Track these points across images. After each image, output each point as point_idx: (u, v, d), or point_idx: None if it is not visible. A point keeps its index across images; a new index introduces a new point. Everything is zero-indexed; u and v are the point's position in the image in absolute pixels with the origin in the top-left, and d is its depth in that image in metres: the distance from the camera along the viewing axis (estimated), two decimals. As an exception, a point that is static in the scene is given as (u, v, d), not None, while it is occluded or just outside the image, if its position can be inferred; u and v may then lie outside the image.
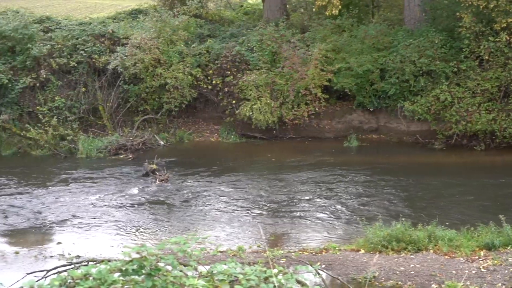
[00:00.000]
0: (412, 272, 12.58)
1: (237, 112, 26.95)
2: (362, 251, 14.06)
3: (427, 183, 20.83)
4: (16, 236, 16.94)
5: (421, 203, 18.77)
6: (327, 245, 14.67)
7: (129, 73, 27.09)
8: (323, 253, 14.18)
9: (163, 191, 20.44)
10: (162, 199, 19.70)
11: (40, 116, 26.70)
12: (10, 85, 26.86)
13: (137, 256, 5.50)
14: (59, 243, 15.95)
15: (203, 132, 28.30)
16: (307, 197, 19.54)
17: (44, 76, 27.33)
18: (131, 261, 5.48)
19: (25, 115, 27.19)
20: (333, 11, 27.28)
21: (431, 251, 13.65)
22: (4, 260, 14.88)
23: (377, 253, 13.70)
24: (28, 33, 27.71)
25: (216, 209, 18.61)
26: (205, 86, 27.73)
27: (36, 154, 25.89)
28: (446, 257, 13.25)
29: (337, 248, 14.35)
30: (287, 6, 33.47)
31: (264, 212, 18.27)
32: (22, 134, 26.39)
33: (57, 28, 30.25)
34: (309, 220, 17.56)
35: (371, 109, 27.02)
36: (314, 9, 29.70)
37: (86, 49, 28.22)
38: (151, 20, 28.78)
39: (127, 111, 27.91)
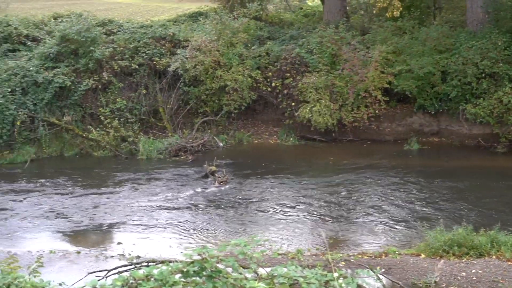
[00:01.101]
0: (474, 278, 12.31)
1: (296, 114, 26.89)
2: (423, 255, 13.83)
3: (489, 187, 20.42)
4: (78, 236, 17.24)
5: (483, 207, 18.34)
6: (387, 249, 14.46)
7: (189, 75, 27.32)
8: (383, 257, 13.99)
9: (222, 192, 20.53)
10: (221, 200, 19.76)
11: (102, 118, 27.12)
12: (73, 87, 27.40)
13: (198, 257, 5.53)
14: (119, 243, 16.17)
15: (262, 134, 28.31)
16: (366, 200, 19.35)
17: (106, 78, 27.76)
18: (192, 262, 5.51)
19: (87, 117, 27.64)
20: (394, 13, 27.01)
21: (494, 256, 13.34)
22: (66, 260, 15.13)
23: (439, 258, 13.45)
24: (91, 36, 28.20)
25: (275, 212, 18.58)
26: (264, 88, 27.74)
27: (98, 155, 26.32)
28: (509, 263, 12.94)
29: (397, 252, 14.14)
30: (347, 8, 33.25)
31: (322, 215, 18.14)
32: (84, 135, 26.87)
33: (119, 31, 30.75)
34: (368, 223, 17.38)
35: (432, 112, 26.58)
36: (374, 11, 29.49)
37: (147, 52, 28.58)
38: (211, 22, 28.97)
39: (187, 113, 28.13)
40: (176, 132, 27.22)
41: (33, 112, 26.71)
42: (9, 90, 26.80)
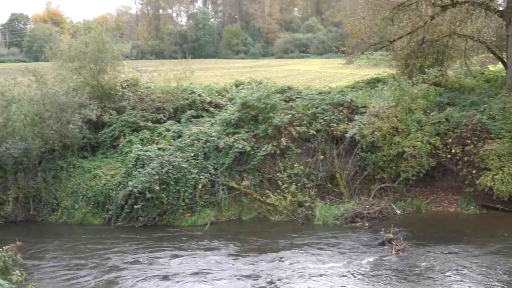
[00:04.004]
0: None
1: (477, 182, 25.90)
2: None
3: None
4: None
5: None
6: None
7: (366, 142, 27.22)
8: None
9: (399, 261, 20.01)
10: (398, 269, 19.25)
11: (280, 183, 27.54)
12: (252, 152, 28.13)
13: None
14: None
15: (441, 202, 27.46)
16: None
17: (285, 144, 28.28)
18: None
19: (265, 181, 28.15)
20: None
21: None
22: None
23: None
24: (271, 103, 28.97)
25: (452, 285, 17.78)
26: (444, 155, 27.04)
27: (275, 219, 26.67)
28: None
29: None
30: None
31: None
32: (262, 199, 27.37)
33: (297, 98, 31.42)
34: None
35: None
36: None
37: (325, 118, 28.89)
38: (390, 88, 28.80)
39: (364, 179, 27.91)
40: (353, 198, 27.06)
41: (214, 176, 27.66)
42: (192, 154, 28.04)
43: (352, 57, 35.90)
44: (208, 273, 19.62)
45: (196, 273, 19.71)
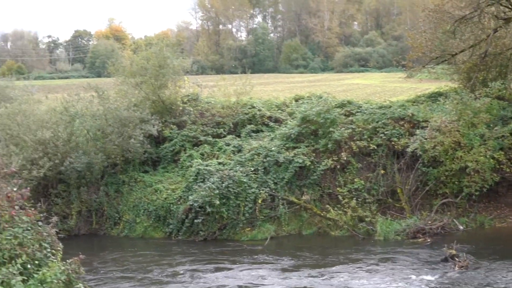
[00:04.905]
0: None
1: (543, 198, 25.30)
2: None
3: None
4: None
5: None
6: None
7: (428, 156, 26.85)
8: None
9: (462, 278, 19.62)
10: (461, 286, 18.88)
11: (340, 197, 27.41)
12: (312, 167, 28.07)
13: None
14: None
15: (506, 218, 26.89)
16: None
17: (345, 158, 28.14)
18: None
19: (325, 196, 28.04)
20: None
21: None
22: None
23: None
24: (331, 117, 28.90)
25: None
26: (508, 170, 26.47)
27: (335, 234, 26.54)
28: None
29: None
30: None
31: None
32: (322, 214, 27.27)
33: (358, 112, 31.21)
34: None
35: None
36: None
37: (385, 132, 28.64)
38: (452, 102, 28.35)
39: (426, 194, 27.53)
40: (414, 214, 26.71)
41: (273, 191, 27.69)
42: (252, 169, 28.15)
43: (413, 71, 35.51)
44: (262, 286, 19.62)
45: (253, 286, 19.73)
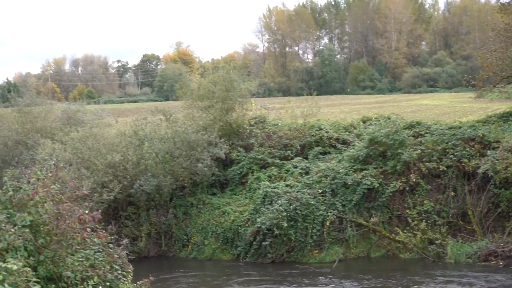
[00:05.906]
0: None
1: None
2: None
3: None
4: None
5: None
6: None
7: (500, 177, 26.24)
8: None
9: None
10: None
11: (409, 220, 27.00)
12: (380, 188, 27.78)
13: None
14: None
15: None
16: None
17: (414, 180, 27.73)
18: None
19: (394, 218, 27.68)
20: None
21: None
22: None
23: None
24: (399, 138, 28.57)
25: None
26: None
27: (404, 257, 26.15)
28: None
29: None
30: None
31: None
32: (391, 237, 26.93)
33: (426, 133, 30.77)
34: None
35: None
36: None
37: (455, 153, 28.10)
38: (524, 122, 27.80)
39: (498, 216, 26.85)
40: (486, 236, 26.09)
41: (341, 213, 27.51)
42: (320, 191, 28.04)
43: (483, 91, 34.88)
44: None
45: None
